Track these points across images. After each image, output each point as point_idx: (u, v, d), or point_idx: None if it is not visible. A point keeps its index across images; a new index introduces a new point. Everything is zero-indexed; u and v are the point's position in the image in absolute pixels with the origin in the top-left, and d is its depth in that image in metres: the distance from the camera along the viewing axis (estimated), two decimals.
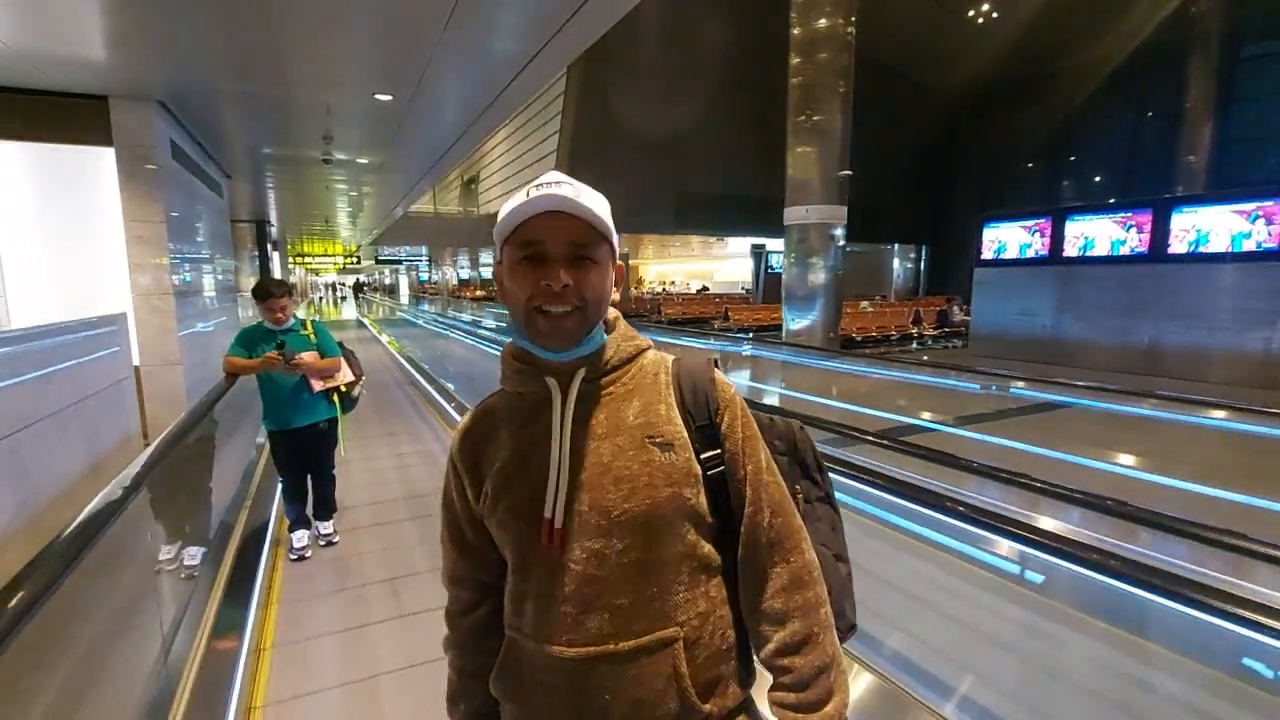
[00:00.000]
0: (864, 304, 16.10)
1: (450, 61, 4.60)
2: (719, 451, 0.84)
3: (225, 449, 4.00)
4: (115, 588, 2.17)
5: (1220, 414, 5.70)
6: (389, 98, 5.34)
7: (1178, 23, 18.10)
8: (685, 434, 0.83)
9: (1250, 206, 7.13)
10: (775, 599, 0.83)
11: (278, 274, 18.58)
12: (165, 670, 2.14)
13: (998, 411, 6.61)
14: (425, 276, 45.80)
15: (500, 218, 0.80)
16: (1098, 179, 22.12)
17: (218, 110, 5.88)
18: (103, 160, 5.10)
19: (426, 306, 27.05)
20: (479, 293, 32.96)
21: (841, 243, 11.45)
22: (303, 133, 6.82)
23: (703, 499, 0.83)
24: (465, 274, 41.04)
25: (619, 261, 0.87)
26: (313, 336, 3.29)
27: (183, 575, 2.78)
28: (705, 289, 29.58)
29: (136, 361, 5.22)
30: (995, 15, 20.39)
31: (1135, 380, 7.55)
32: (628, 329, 0.89)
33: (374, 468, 4.82)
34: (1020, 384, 6.17)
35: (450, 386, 7.49)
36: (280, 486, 3.51)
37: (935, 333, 13.80)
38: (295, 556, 3.23)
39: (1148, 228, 7.90)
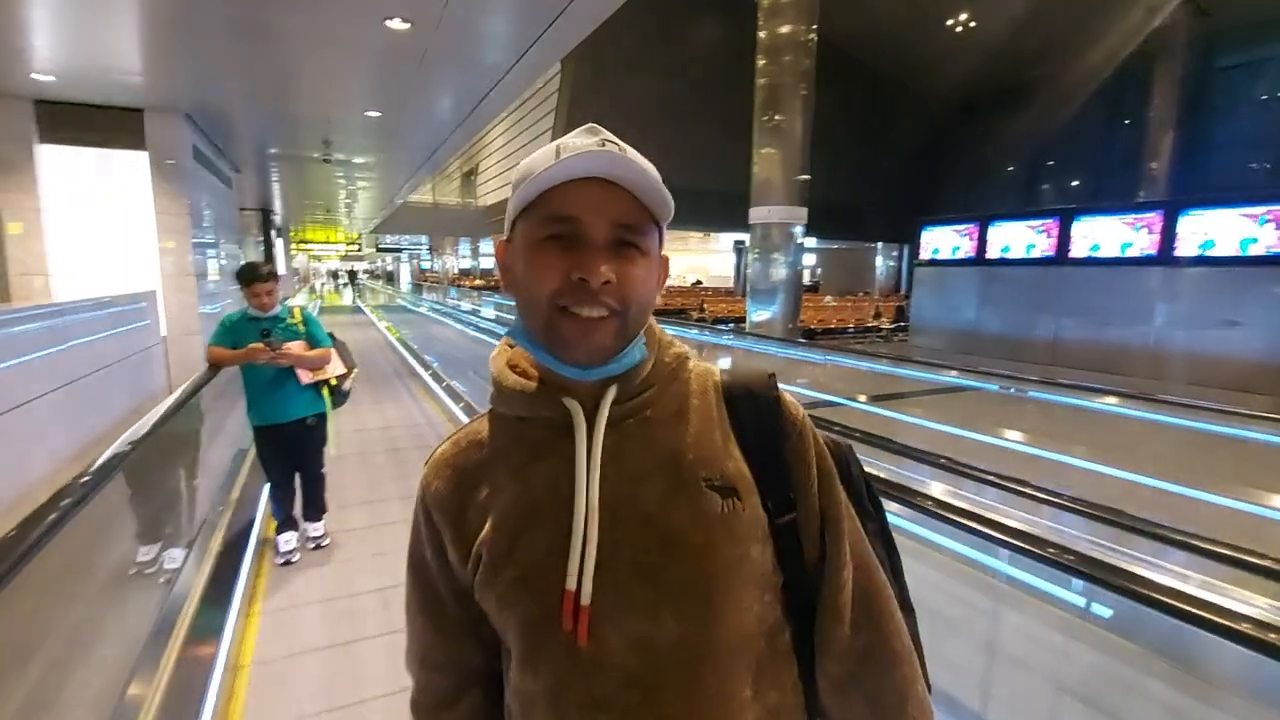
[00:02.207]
0: (827, 298, 17.07)
1: (427, 89, 5.60)
2: (789, 493, 0.65)
3: (211, 445, 3.96)
4: (81, 592, 2.11)
5: (1110, 399, 6.65)
6: (378, 114, 6.34)
7: (1147, 36, 18.92)
8: (748, 472, 0.64)
9: (1137, 218, 8.11)
10: (866, 678, 0.66)
11: (281, 260, 19.56)
12: (128, 690, 1.92)
13: (913, 392, 7.59)
14: (426, 265, 46.90)
15: (517, 180, 0.60)
16: (1075, 183, 22.95)
17: (233, 120, 6.90)
18: (137, 161, 6.12)
19: (427, 295, 27.95)
20: (478, 282, 34.03)
21: (801, 240, 12.37)
22: (305, 137, 7.83)
23: (770, 555, 0.63)
24: (467, 264, 42.13)
25: (664, 254, 0.66)
26: (301, 326, 3.13)
27: (162, 579, 2.63)
28: (699, 283, 30.58)
29: (164, 332, 6.25)
30: (974, 24, 21.21)
31: (1039, 370, 8.54)
32: (664, 333, 0.69)
33: (369, 464, 4.57)
34: (914, 368, 7.16)
35: (431, 360, 8.47)
36: (267, 485, 3.32)
37: (892, 326, 14.80)
38: (282, 560, 3.06)
39: (1055, 233, 8.87)
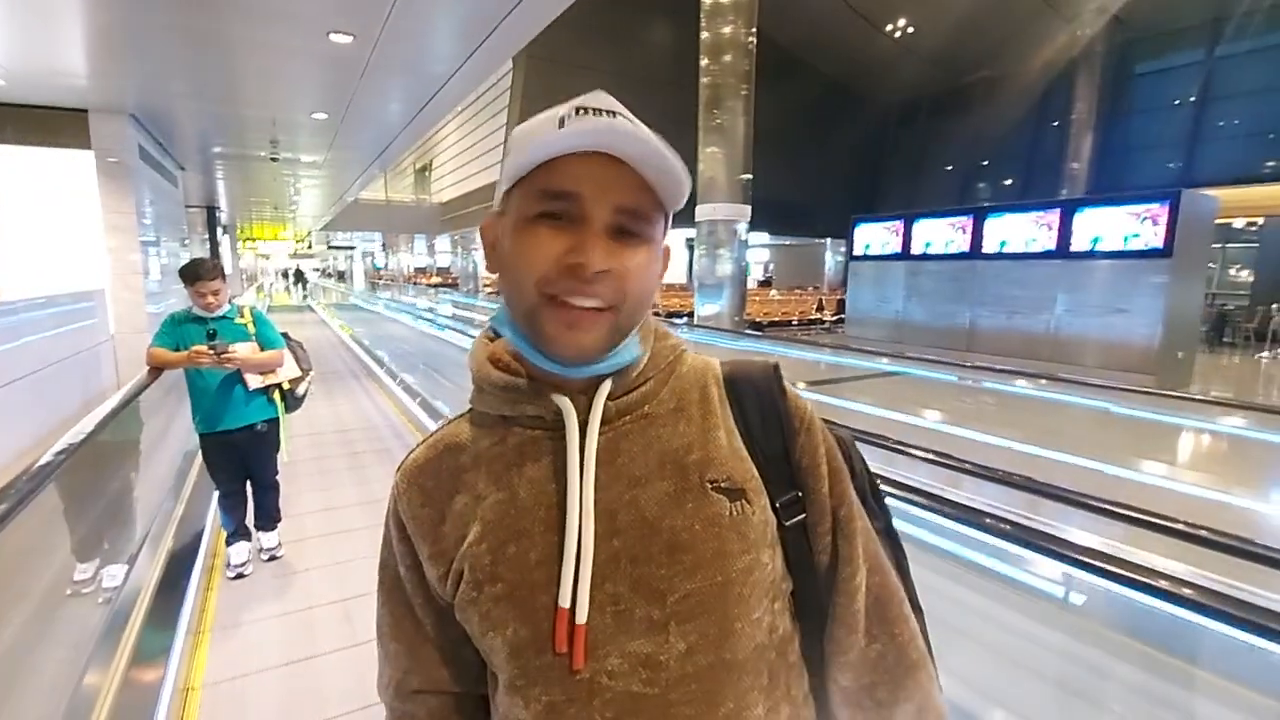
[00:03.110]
0: (773, 292, 17.76)
1: (373, 94, 5.85)
2: (797, 493, 0.61)
3: (155, 451, 3.78)
4: (10, 617, 2.02)
5: (1022, 382, 7.31)
6: (324, 116, 6.55)
7: (1070, 43, 20.17)
8: (756, 473, 0.59)
9: (1039, 216, 8.90)
10: (881, 688, 0.62)
11: (227, 258, 19.20)
12: (69, 716, 1.84)
13: (852, 377, 8.17)
14: (381, 263, 46.22)
15: (515, 147, 0.53)
16: (1008, 182, 24.24)
17: (178, 120, 7.00)
18: (82, 161, 6.18)
19: (381, 294, 27.68)
20: (435, 280, 33.83)
21: (745, 237, 12.94)
22: (251, 137, 7.93)
23: (780, 560, 0.60)
24: (423, 261, 41.75)
25: (666, 244, 0.60)
26: (251, 326, 2.95)
27: (100, 599, 2.47)
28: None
29: (112, 329, 6.35)
30: (911, 30, 22.25)
31: (956, 355, 9.26)
32: (659, 325, 0.64)
33: (325, 468, 4.40)
34: (848, 354, 7.74)
35: (384, 356, 8.68)
36: (216, 495, 3.14)
37: (834, 318, 15.54)
38: (233, 574, 2.93)
39: (970, 230, 9.64)
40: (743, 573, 0.55)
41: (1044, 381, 6.18)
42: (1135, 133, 19.40)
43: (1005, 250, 9.28)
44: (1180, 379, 8.14)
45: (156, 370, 2.93)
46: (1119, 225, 8.11)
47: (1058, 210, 8.69)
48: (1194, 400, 4.79)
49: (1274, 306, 11.88)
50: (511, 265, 0.54)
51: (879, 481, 0.72)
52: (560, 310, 0.52)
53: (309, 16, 4.00)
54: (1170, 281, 7.73)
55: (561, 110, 0.53)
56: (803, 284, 26.09)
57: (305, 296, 30.79)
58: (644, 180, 0.53)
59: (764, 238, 29.20)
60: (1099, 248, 8.31)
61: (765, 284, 28.59)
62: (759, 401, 0.62)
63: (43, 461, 1.76)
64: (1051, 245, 8.72)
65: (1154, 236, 7.79)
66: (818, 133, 24.12)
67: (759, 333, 13.03)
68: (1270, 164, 15.33)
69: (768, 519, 0.58)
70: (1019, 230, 9.10)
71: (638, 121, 0.53)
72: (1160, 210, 7.72)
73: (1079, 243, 8.46)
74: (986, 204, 9.72)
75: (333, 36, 4.25)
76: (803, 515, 0.61)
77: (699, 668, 0.54)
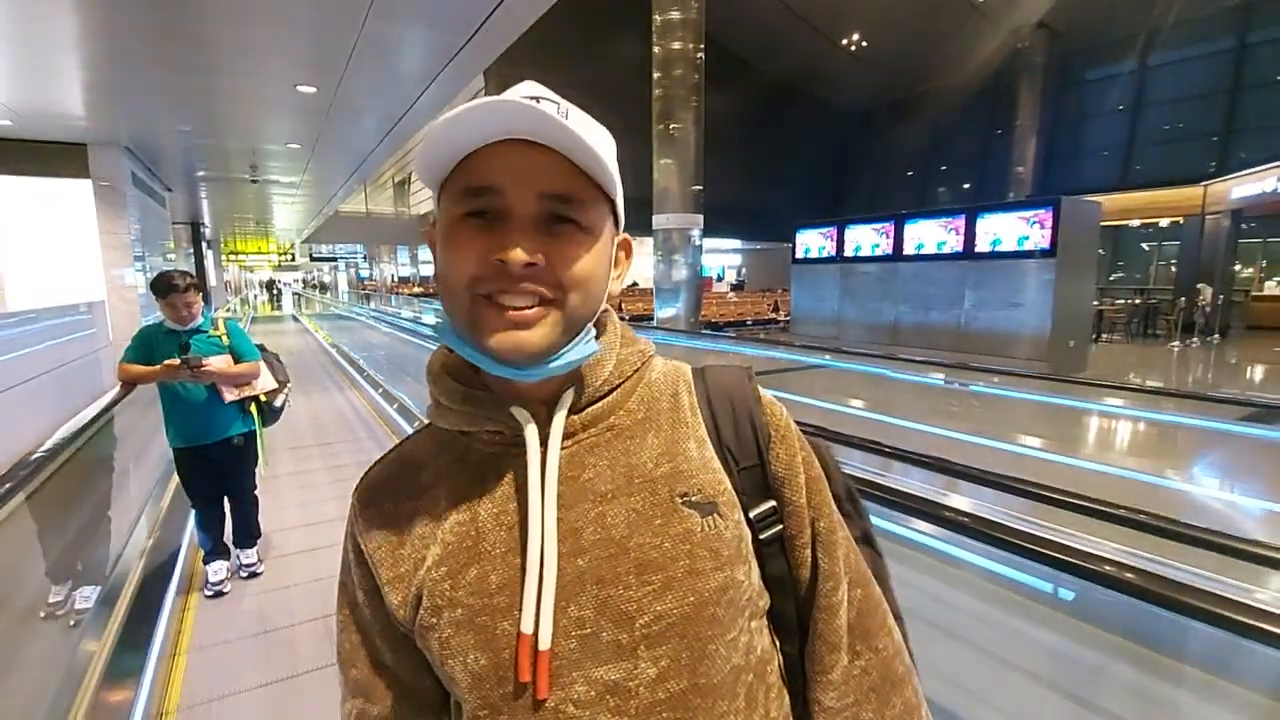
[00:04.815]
0: (730, 295, 18.73)
1: (339, 127, 6.72)
2: (773, 504, 0.58)
3: (128, 467, 3.74)
4: None
5: (939, 373, 8.24)
6: (298, 146, 7.41)
7: (1013, 54, 21.38)
8: (729, 484, 0.57)
9: (948, 221, 9.92)
10: (865, 708, 0.60)
11: (211, 272, 19.84)
12: None
13: (783, 369, 9.06)
14: (365, 274, 46.92)
15: (424, 143, 0.49)
16: (966, 186, 25.40)
17: (166, 150, 7.84)
18: (81, 188, 6.99)
19: (364, 305, 28.27)
20: (417, 289, 34.58)
21: (699, 243, 13.89)
22: (233, 163, 8.78)
23: (756, 575, 0.58)
24: (406, 271, 42.52)
25: (624, 235, 0.59)
26: (225, 338, 2.89)
27: (72, 622, 2.44)
28: (634, 284, 31.94)
29: (111, 337, 7.13)
30: (865, 44, 23.44)
31: (882, 348, 10.23)
32: (625, 329, 0.61)
33: (306, 481, 4.39)
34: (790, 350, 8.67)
35: (360, 359, 9.45)
36: (193, 511, 3.06)
37: (786, 318, 16.51)
38: (211, 592, 2.85)
39: (891, 234, 10.65)
40: (716, 591, 0.52)
41: (926, 368, 7.15)
42: (1071, 139, 20.64)
43: (921, 252, 10.29)
44: (1072, 366, 9.13)
45: (129, 386, 2.87)
46: (1013, 229, 9.13)
47: (963, 216, 9.70)
48: (1022, 375, 5.76)
49: (1181, 300, 12.98)
50: (443, 270, 0.51)
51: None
52: (498, 311, 0.49)
53: (278, 74, 4.86)
54: (1057, 278, 8.74)
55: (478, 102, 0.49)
56: (773, 286, 27.04)
57: (277, 306, 31.38)
58: (575, 165, 0.50)
59: (736, 243, 30.22)
60: (998, 249, 9.32)
61: (737, 287, 29.55)
62: (732, 408, 0.60)
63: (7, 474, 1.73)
64: (959, 247, 9.74)
65: (1041, 238, 8.79)
66: (785, 141, 25.19)
67: (712, 332, 13.95)
68: (1210, 167, 16.49)
69: (741, 533, 0.56)
70: (931, 234, 10.12)
71: (572, 107, 0.53)
72: (1045, 215, 8.74)
73: (981, 245, 9.47)
74: (904, 211, 10.72)
75: (299, 88, 5.12)
76: (780, 527, 0.58)
77: (671, 694, 0.51)
